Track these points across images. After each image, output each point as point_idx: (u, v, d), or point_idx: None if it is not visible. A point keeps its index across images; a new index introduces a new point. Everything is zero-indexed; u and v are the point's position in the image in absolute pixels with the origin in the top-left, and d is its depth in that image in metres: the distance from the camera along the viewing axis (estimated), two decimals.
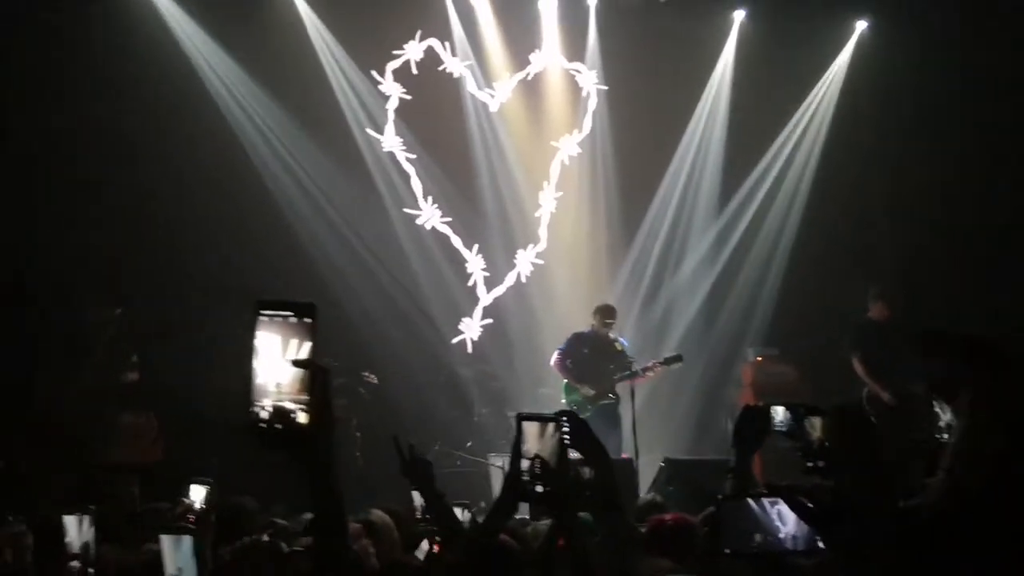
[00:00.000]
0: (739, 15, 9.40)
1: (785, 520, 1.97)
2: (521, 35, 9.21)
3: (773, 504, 1.99)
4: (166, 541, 2.23)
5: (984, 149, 8.44)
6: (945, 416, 2.44)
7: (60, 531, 2.63)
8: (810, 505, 1.79)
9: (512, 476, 2.14)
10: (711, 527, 2.13)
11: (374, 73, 8.76)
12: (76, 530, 2.63)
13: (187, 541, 2.22)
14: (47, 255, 6.95)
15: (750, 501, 1.99)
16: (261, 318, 1.32)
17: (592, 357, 7.30)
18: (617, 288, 9.18)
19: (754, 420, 2.44)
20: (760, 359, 8.23)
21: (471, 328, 8.91)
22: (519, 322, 9.04)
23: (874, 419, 6.90)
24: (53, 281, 6.80)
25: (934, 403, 2.46)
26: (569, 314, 8.54)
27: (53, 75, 7.29)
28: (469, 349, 8.83)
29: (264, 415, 1.29)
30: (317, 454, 1.32)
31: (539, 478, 2.21)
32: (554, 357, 7.55)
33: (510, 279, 9.15)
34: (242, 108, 8.39)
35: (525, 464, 2.10)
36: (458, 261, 9.05)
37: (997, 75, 8.30)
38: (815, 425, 2.13)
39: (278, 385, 1.30)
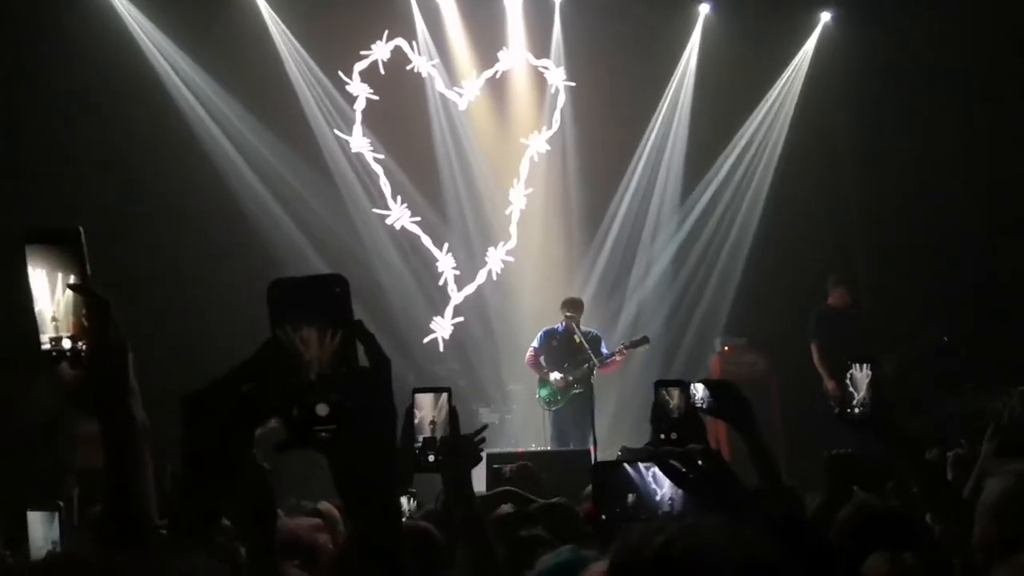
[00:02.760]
0: (704, 8, 9.43)
1: (660, 482, 1.97)
2: (487, 33, 9.23)
3: (648, 468, 1.98)
4: (34, 518, 2.23)
5: (950, 137, 8.47)
6: (859, 394, 2.43)
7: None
8: (683, 469, 1.78)
9: (404, 448, 2.16)
10: (593, 493, 2.12)
11: (340, 74, 8.77)
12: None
13: (55, 517, 2.22)
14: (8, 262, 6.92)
15: (626, 466, 1.98)
16: (30, 250, 1.25)
17: (562, 351, 7.33)
18: (586, 282, 9.20)
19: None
20: (728, 349, 8.24)
21: (442, 327, 8.90)
22: (491, 319, 9.04)
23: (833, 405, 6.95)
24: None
25: (847, 381, 2.45)
26: (541, 310, 8.54)
27: (16, 85, 7.30)
28: (441, 348, 8.82)
29: (50, 346, 1.24)
30: (97, 388, 1.26)
31: (431, 448, 2.24)
32: (528, 354, 7.57)
33: (481, 277, 9.15)
34: (206, 112, 8.38)
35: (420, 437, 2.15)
36: (428, 260, 9.05)
37: (962, 64, 8.33)
38: (672, 396, 2.14)
39: (54, 319, 1.25)
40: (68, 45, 7.44)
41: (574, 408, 7.14)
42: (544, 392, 7.40)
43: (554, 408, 7.33)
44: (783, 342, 7.99)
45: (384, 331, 8.47)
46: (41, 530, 2.49)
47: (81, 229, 1.27)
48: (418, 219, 9.00)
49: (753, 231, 9.22)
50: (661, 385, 2.20)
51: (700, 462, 1.83)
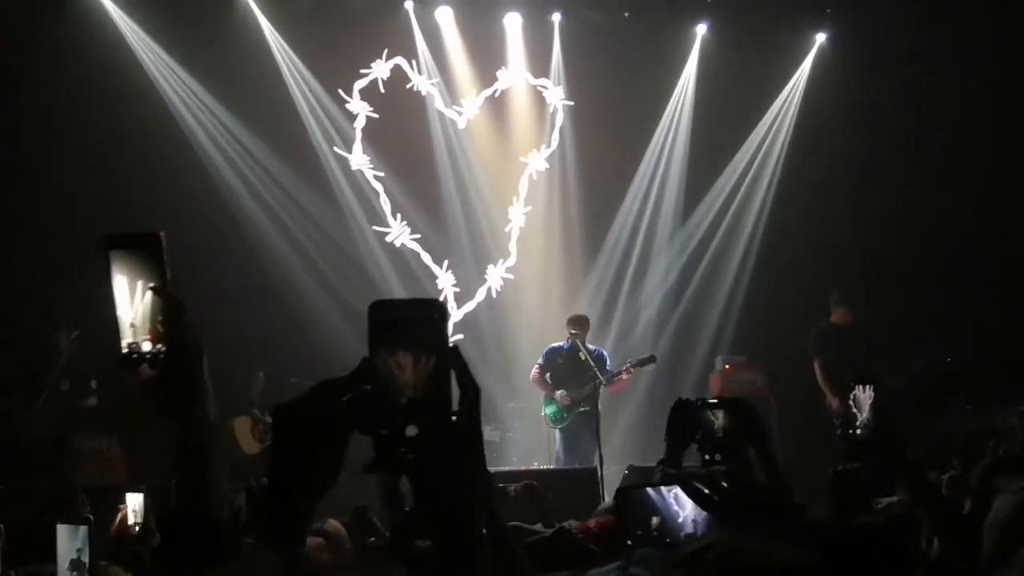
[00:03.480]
0: (701, 29, 9.53)
1: (683, 505, 1.98)
2: (487, 53, 9.29)
3: (671, 490, 1.99)
4: (63, 531, 2.25)
5: (945, 155, 8.57)
6: (862, 415, 2.44)
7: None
8: (705, 491, 1.79)
9: None
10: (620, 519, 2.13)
11: (340, 92, 8.81)
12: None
13: (83, 531, 2.24)
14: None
15: (648, 489, 1.99)
16: (113, 256, 1.28)
17: (567, 369, 7.34)
18: (586, 299, 9.22)
19: (684, 414, 2.43)
20: (728, 367, 8.27)
21: None
22: (491, 337, 9.04)
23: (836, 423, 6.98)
24: (4, 305, 6.76)
25: (850, 401, 2.46)
26: (540, 328, 8.56)
27: (14, 99, 7.30)
28: None
29: (130, 350, 1.28)
30: (176, 382, 1.29)
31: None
32: (533, 372, 7.58)
33: (481, 294, 9.16)
34: (205, 130, 8.38)
35: None
36: (428, 278, 9.05)
37: (955, 82, 8.45)
38: (718, 416, 2.13)
39: (132, 325, 1.28)
40: (68, 60, 7.45)
41: (580, 426, 7.14)
42: (550, 410, 7.40)
43: (560, 426, 7.33)
44: (782, 360, 8.03)
45: None
46: (68, 544, 2.52)
47: (162, 233, 1.31)
48: (418, 236, 9.02)
49: (754, 249, 9.29)
50: (703, 406, 2.18)
51: (725, 484, 1.84)
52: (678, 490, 1.93)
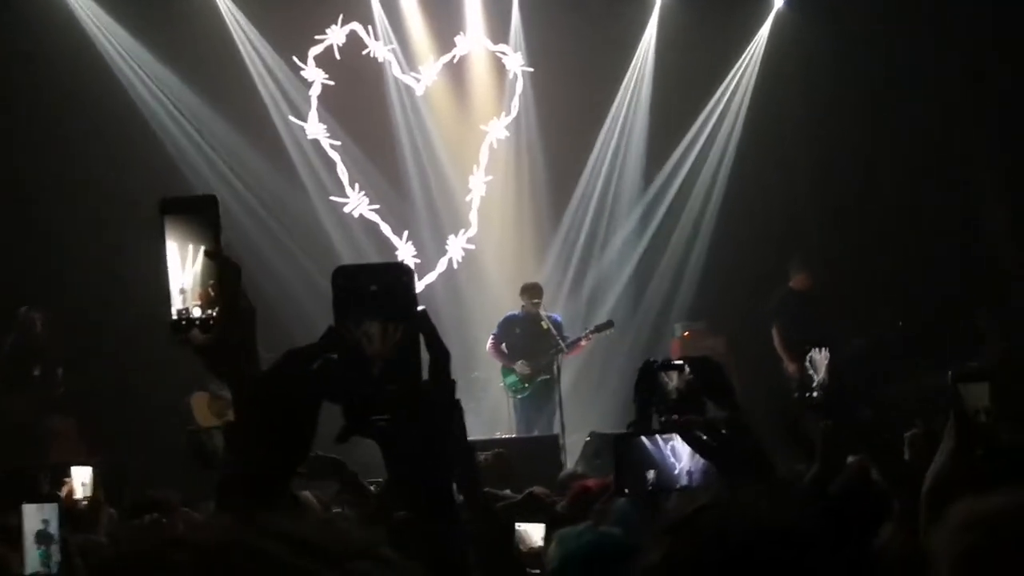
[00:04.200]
0: None
1: (679, 456, 1.95)
2: (445, 18, 9.12)
3: (667, 441, 1.96)
4: (29, 510, 2.20)
5: (903, 121, 8.65)
6: (818, 376, 2.44)
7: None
8: (705, 438, 1.76)
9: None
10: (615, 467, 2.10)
11: (295, 59, 8.59)
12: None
13: (49, 508, 2.20)
14: None
15: (644, 439, 1.96)
16: (167, 221, 1.25)
17: (525, 337, 7.32)
18: (547, 268, 9.19)
19: (652, 375, 2.40)
20: (688, 334, 8.33)
21: None
22: (451, 308, 8.97)
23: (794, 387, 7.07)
24: None
25: (807, 364, 2.46)
26: (502, 298, 8.51)
27: None
28: None
29: (185, 315, 1.24)
30: (229, 350, 1.25)
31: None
32: (488, 343, 7.55)
33: (442, 265, 9.08)
34: (157, 99, 8.17)
35: None
36: (388, 249, 8.93)
37: (912, 50, 8.50)
38: (672, 378, 2.09)
39: (182, 291, 1.24)
40: (9, 30, 7.17)
41: (541, 395, 7.15)
42: (510, 380, 7.39)
43: (521, 396, 7.32)
44: (741, 326, 8.09)
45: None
46: (35, 523, 2.47)
47: (217, 196, 1.28)
48: (377, 207, 8.88)
49: (713, 215, 9.32)
50: (659, 368, 2.15)
51: (724, 431, 1.82)
52: (675, 440, 1.90)
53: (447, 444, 1.13)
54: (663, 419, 1.99)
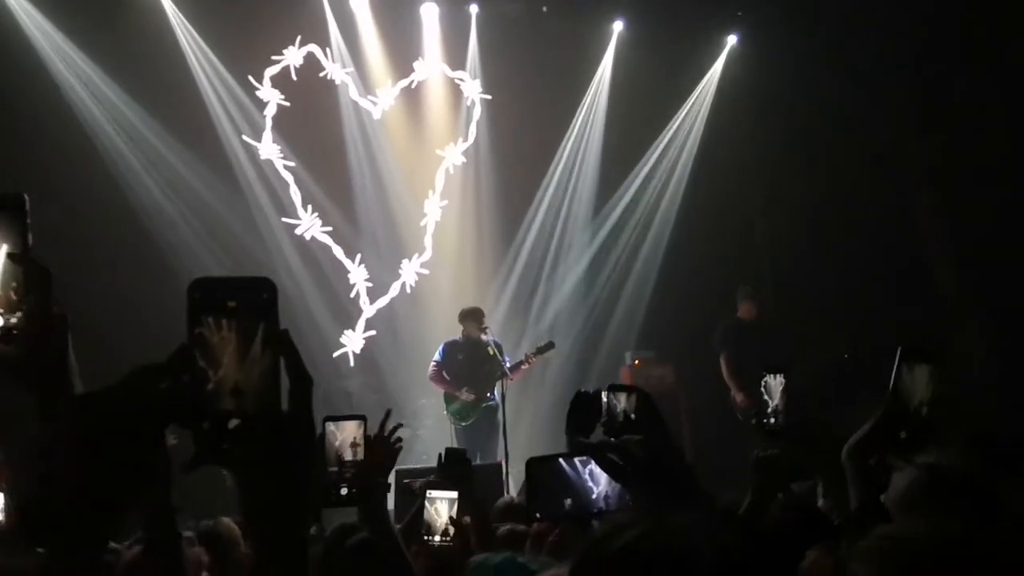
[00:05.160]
0: (618, 26, 9.58)
1: (597, 480, 1.91)
2: (403, 43, 9.13)
3: (585, 464, 1.92)
4: None
5: (853, 154, 8.81)
6: (773, 401, 2.42)
7: None
8: (620, 462, 1.72)
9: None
10: (527, 490, 2.05)
11: (251, 79, 8.51)
12: None
13: None
14: None
15: (561, 461, 1.91)
16: None
17: (468, 363, 7.21)
18: (501, 295, 9.17)
19: (585, 405, 2.35)
20: (638, 362, 8.33)
21: (353, 341, 8.69)
22: (404, 332, 8.89)
23: (740, 417, 7.09)
24: None
25: (762, 390, 2.44)
26: (455, 323, 8.42)
27: None
28: (351, 362, 8.60)
29: None
30: (38, 362, 1.16)
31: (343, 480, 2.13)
32: (430, 369, 7.38)
33: (395, 289, 8.99)
34: (105, 114, 7.97)
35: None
36: (340, 271, 8.83)
37: (863, 86, 8.69)
38: (620, 399, 2.06)
39: None
40: None
41: (485, 422, 7.05)
42: (453, 407, 7.27)
43: (465, 423, 7.20)
44: (690, 355, 8.12)
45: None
46: None
47: (26, 196, 1.18)
48: (329, 229, 8.79)
49: (664, 244, 9.40)
50: (611, 389, 2.10)
51: (639, 454, 1.77)
52: (593, 464, 1.86)
53: (303, 474, 1.03)
54: (614, 440, 1.95)
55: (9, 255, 1.16)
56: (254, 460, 0.98)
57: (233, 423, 0.98)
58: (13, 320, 1.16)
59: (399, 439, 2.54)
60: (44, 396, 1.20)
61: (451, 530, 2.54)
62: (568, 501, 1.98)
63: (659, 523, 1.17)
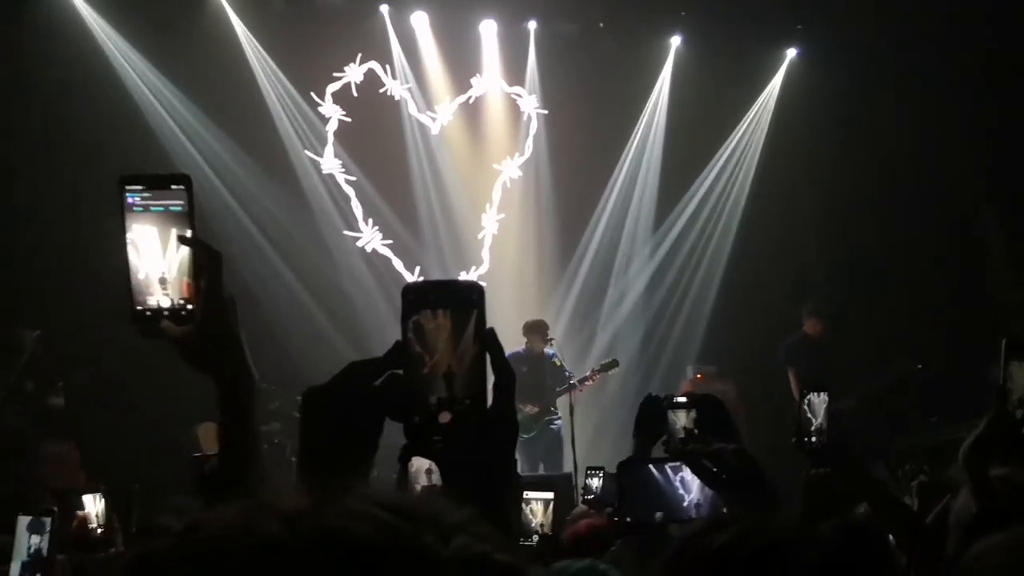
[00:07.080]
0: (675, 41, 9.60)
1: (689, 487, 1.93)
2: (462, 59, 9.26)
3: (676, 471, 1.94)
4: (23, 522, 2.16)
5: (912, 169, 8.70)
6: (816, 420, 2.41)
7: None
8: (715, 469, 1.74)
9: None
10: (617, 494, 2.06)
11: (313, 95, 8.71)
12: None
13: (46, 522, 2.16)
14: None
15: (652, 468, 1.93)
16: (128, 200, 1.18)
17: (531, 375, 7.25)
18: (559, 308, 9.19)
19: (653, 410, 2.38)
20: (700, 376, 8.29)
21: None
22: None
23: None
24: None
25: (804, 408, 2.42)
26: (512, 336, 8.47)
27: None
28: None
29: (152, 306, 1.17)
30: (211, 342, 1.19)
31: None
32: None
33: None
34: (176, 131, 8.22)
35: None
36: (400, 284, 8.93)
37: (926, 102, 8.60)
38: (679, 416, 2.06)
39: (162, 281, 1.18)
40: (35, 58, 7.28)
41: (549, 435, 7.08)
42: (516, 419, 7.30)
43: (527, 436, 7.23)
44: (752, 370, 8.05)
45: (357, 355, 8.31)
46: (24, 536, 2.42)
47: (191, 177, 1.23)
48: (390, 242, 8.93)
49: (724, 259, 9.35)
50: (664, 403, 2.09)
51: (731, 462, 1.79)
52: (685, 472, 1.87)
53: (508, 469, 1.08)
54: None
55: (180, 237, 1.20)
56: (461, 453, 1.02)
57: (443, 417, 1.01)
58: (185, 302, 1.19)
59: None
60: (216, 376, 1.23)
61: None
62: (659, 515, 1.99)
63: (762, 522, 1.19)
